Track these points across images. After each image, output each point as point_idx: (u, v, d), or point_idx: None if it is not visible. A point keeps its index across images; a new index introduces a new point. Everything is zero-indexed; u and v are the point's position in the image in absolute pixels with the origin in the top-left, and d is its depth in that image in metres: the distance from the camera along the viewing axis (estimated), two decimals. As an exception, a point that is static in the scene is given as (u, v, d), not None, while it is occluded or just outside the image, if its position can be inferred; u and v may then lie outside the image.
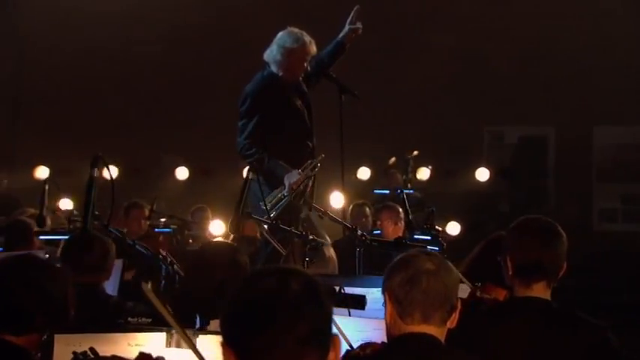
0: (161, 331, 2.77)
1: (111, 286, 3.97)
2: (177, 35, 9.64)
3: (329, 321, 1.84)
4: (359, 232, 4.28)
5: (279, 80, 5.40)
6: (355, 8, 5.62)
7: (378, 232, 6.33)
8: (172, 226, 6.14)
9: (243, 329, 1.76)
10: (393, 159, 8.47)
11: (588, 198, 10.21)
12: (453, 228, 8.54)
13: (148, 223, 6.31)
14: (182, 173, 9.37)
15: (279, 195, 4.98)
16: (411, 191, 7.53)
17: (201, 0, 9.62)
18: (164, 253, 4.27)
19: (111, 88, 9.88)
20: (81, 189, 9.09)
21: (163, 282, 3.45)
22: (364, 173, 9.43)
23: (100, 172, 4.29)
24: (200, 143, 9.57)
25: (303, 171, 4.72)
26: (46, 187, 4.97)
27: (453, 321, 2.54)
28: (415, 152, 8.29)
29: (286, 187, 5.05)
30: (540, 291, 2.97)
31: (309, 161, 4.81)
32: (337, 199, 8.71)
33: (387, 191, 7.66)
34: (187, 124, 9.67)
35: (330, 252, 4.22)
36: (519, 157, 10.06)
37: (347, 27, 5.62)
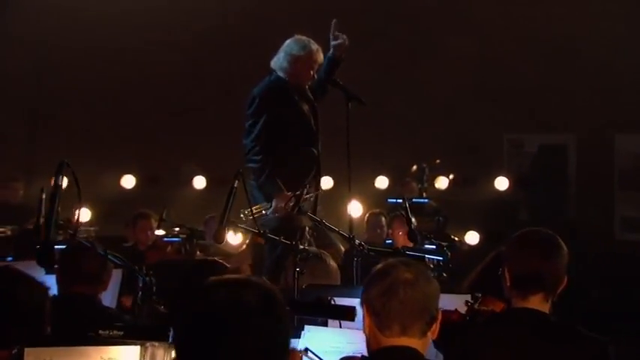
0: (135, 344, 2.72)
1: (108, 298, 3.93)
2: (198, 42, 9.65)
3: (285, 335, 1.79)
4: (356, 242, 4.24)
5: (287, 84, 5.40)
6: (333, 22, 5.58)
7: (390, 241, 6.28)
8: (181, 236, 6.12)
9: (195, 342, 1.72)
10: (415, 167, 8.41)
11: (610, 206, 10.09)
12: (472, 237, 8.47)
13: (163, 232, 6.31)
14: (199, 182, 9.36)
15: (262, 210, 4.96)
16: (425, 200, 7.48)
17: (222, 6, 9.62)
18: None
19: (129, 96, 9.90)
20: (100, 197, 9.16)
21: (140, 293, 3.42)
22: (382, 182, 9.38)
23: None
24: (218, 152, 9.57)
25: (295, 197, 4.57)
26: (43, 196, 4.94)
27: (433, 332, 2.48)
28: (437, 161, 8.22)
29: (272, 206, 5.05)
30: (537, 303, 2.93)
31: (306, 189, 4.72)
32: (355, 208, 8.68)
33: (401, 200, 7.61)
34: (206, 132, 9.66)
35: (333, 262, 4.12)
36: (539, 165, 9.97)
37: (331, 44, 5.54)
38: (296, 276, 3.81)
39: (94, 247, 3.50)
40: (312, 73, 5.44)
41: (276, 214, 5.04)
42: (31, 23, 9.65)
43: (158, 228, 6.37)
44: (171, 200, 8.02)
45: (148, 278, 3.35)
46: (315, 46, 5.45)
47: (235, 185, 4.08)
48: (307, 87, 5.50)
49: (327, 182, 9.03)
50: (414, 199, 7.54)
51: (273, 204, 5.04)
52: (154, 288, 3.43)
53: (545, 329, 2.90)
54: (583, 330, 2.94)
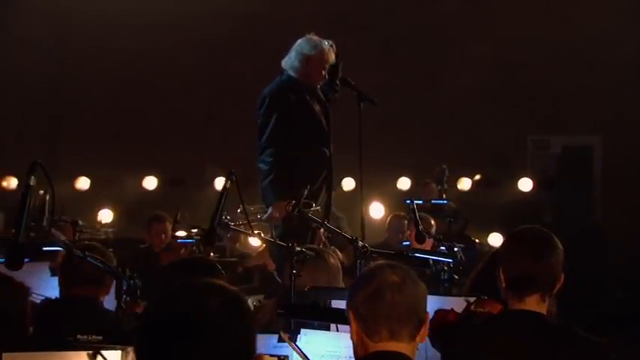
0: (115, 349, 2.68)
1: (112, 302, 3.85)
2: (218, 45, 9.68)
3: (250, 340, 1.76)
4: (360, 244, 4.14)
5: (298, 83, 5.37)
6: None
7: (407, 243, 6.23)
8: (196, 237, 6.12)
9: (158, 349, 1.68)
10: (445, 166, 8.37)
11: (636, 208, 9.96)
12: (495, 239, 8.42)
13: (184, 233, 6.30)
14: (221, 184, 9.35)
15: (259, 215, 4.92)
16: (445, 201, 7.42)
17: (241, 10, 9.63)
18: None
19: (151, 98, 9.95)
20: (123, 199, 9.16)
21: (125, 297, 3.38)
22: (404, 183, 9.33)
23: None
24: (240, 154, 9.58)
25: (294, 203, 4.44)
26: (47, 198, 4.94)
27: (422, 336, 2.40)
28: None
29: (267, 214, 5.03)
30: (533, 304, 2.87)
31: (307, 191, 4.55)
32: (377, 210, 8.64)
33: (421, 201, 7.56)
34: (228, 134, 9.68)
35: (335, 260, 4.03)
36: (564, 166, 9.86)
37: None
38: (292, 278, 3.74)
39: (70, 250, 3.45)
40: (323, 72, 5.41)
41: (270, 222, 5.00)
42: (49, 27, 9.73)
43: (173, 230, 6.37)
44: (193, 202, 8.04)
45: (132, 281, 3.32)
46: (326, 45, 5.40)
47: (227, 186, 4.04)
48: (319, 87, 5.46)
49: (348, 183, 9.02)
50: (433, 201, 7.49)
51: (269, 211, 5.01)
52: (139, 291, 3.42)
53: (543, 331, 2.84)
54: (582, 332, 2.88)
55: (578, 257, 8.87)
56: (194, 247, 6.02)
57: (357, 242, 4.15)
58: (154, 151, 9.72)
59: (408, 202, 7.58)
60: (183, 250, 6.03)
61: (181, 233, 6.43)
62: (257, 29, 9.74)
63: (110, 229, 7.75)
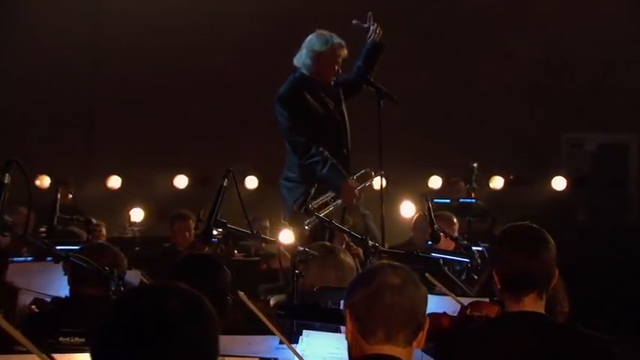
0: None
1: None
2: (247, 45, 9.69)
3: (211, 343, 1.71)
4: (370, 243, 4.06)
5: (310, 81, 5.32)
6: (368, 15, 5.51)
7: (431, 242, 6.15)
8: (218, 237, 6.11)
9: (115, 351, 1.65)
10: (475, 164, 8.27)
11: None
12: None
13: (216, 232, 6.29)
14: (251, 182, 9.37)
15: (326, 199, 4.83)
16: (473, 200, 7.32)
17: (268, 11, 9.64)
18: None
19: (181, 98, 10.00)
20: (153, 197, 9.19)
21: (114, 298, 3.37)
22: (436, 182, 9.26)
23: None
24: (270, 152, 9.58)
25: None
26: (58, 196, 4.98)
27: (420, 341, 2.32)
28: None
29: (340, 197, 4.98)
30: (532, 304, 2.81)
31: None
32: (408, 209, 8.57)
33: (449, 200, 7.46)
34: (258, 132, 9.70)
35: (349, 258, 3.95)
36: (599, 165, 9.73)
37: (368, 34, 5.46)
38: (295, 278, 3.69)
39: (50, 249, 3.47)
40: (336, 67, 5.33)
41: (349, 204, 4.98)
42: (82, 26, 9.83)
43: (195, 229, 6.36)
44: (223, 200, 8.04)
45: (120, 281, 3.31)
46: (337, 40, 5.34)
47: (225, 184, 4.00)
48: (338, 86, 5.40)
49: (377, 182, 8.96)
50: (460, 199, 7.40)
51: (341, 195, 4.98)
52: None
53: (544, 332, 2.78)
54: (584, 330, 2.81)
55: (613, 256, 8.79)
56: (217, 247, 6.00)
57: (367, 241, 4.06)
58: (185, 150, 9.77)
59: (447, 200, 7.61)
60: (207, 249, 6.03)
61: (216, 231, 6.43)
62: (289, 28, 9.74)
63: (137, 228, 7.78)
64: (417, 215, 7.08)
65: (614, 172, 9.72)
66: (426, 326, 2.34)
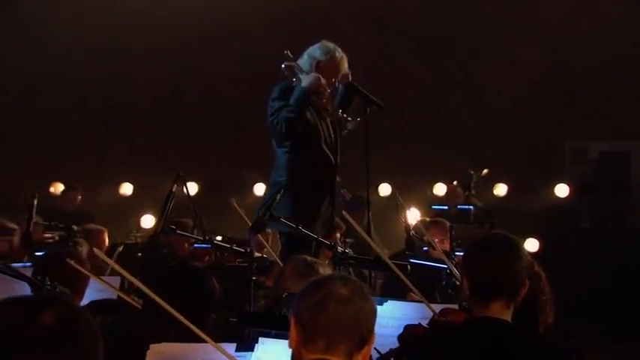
0: None
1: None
2: (255, 52, 9.82)
3: (85, 357, 1.64)
4: (339, 250, 4.05)
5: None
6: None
7: (426, 249, 6.21)
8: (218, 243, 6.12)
9: None
10: (486, 170, 8.35)
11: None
12: (532, 244, 8.44)
13: (220, 238, 6.34)
14: (260, 189, 9.52)
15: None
16: (470, 207, 7.40)
17: (279, 17, 9.78)
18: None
19: (191, 104, 10.15)
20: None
21: None
22: (440, 189, 9.39)
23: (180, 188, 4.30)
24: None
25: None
26: (35, 202, 4.98)
27: (364, 356, 2.29)
28: (485, 170, 8.11)
29: (308, 83, 5.02)
30: (498, 311, 2.82)
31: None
32: (413, 215, 8.71)
33: (446, 207, 7.55)
34: (267, 139, 9.82)
35: (325, 271, 3.82)
36: (601, 172, 9.83)
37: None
38: (252, 285, 3.67)
39: None
40: (333, 80, 5.29)
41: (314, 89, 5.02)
42: (100, 35, 9.99)
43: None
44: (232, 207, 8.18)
45: (50, 289, 3.25)
46: (339, 53, 5.30)
47: (174, 190, 3.97)
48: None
49: (385, 189, 9.12)
50: (458, 206, 7.48)
51: (304, 83, 5.07)
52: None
53: (507, 339, 2.78)
54: (551, 340, 2.86)
55: (616, 262, 8.90)
56: (211, 254, 5.98)
57: (337, 248, 4.06)
58: (196, 157, 9.91)
59: (445, 207, 7.63)
60: (207, 258, 6.03)
61: (218, 238, 6.50)
62: (302, 36, 9.86)
63: (140, 234, 7.86)
64: (414, 223, 7.16)
65: (616, 179, 9.82)
66: (372, 341, 2.30)
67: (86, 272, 3.57)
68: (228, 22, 9.77)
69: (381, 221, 6.81)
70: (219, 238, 6.32)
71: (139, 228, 8.49)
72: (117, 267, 3.20)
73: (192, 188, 9.67)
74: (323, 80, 5.13)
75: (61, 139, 9.81)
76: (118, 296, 3.65)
